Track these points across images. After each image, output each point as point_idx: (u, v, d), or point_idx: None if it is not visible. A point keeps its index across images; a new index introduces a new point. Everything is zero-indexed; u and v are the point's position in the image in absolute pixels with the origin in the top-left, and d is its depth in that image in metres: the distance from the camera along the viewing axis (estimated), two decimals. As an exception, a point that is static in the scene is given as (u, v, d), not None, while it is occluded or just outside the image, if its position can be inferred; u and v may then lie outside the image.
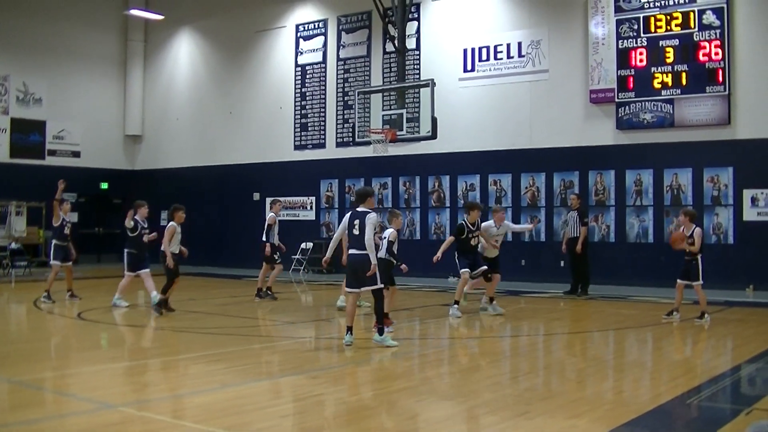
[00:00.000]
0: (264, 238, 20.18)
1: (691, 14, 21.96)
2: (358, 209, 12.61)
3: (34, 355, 11.87)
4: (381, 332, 12.42)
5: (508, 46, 25.34)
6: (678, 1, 22.21)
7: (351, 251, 12.54)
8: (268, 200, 30.72)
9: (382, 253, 14.08)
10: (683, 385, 9.82)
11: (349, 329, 12.47)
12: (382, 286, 12.62)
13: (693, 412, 8.81)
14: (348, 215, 12.75)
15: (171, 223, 17.01)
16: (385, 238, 14.53)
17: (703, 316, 15.67)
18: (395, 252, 14.64)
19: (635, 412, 8.26)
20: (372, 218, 12.40)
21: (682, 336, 14.50)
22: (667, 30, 22.32)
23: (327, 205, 29.35)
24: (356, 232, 12.40)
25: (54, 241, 19.63)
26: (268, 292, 19.90)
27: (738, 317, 17.00)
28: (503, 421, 7.98)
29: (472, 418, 8.15)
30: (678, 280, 16.02)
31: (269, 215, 20.59)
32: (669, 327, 15.29)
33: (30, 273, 27.59)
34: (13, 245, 28.61)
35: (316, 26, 30.10)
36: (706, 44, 21.75)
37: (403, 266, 15.26)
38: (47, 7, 32.89)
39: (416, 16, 27.06)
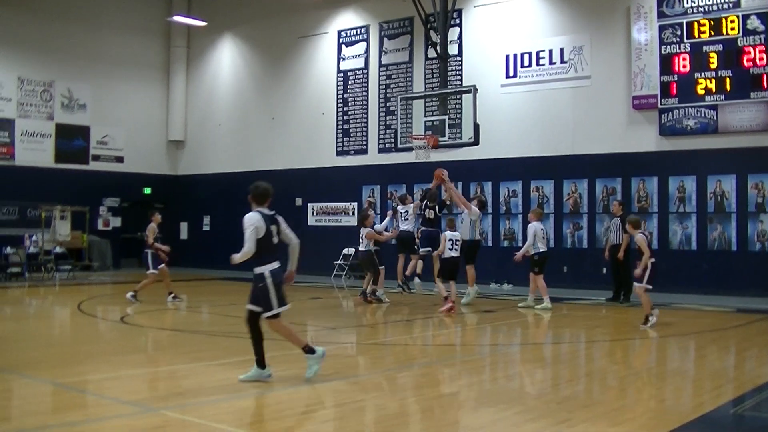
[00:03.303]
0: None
1: (735, 19, 21.76)
2: None
3: (77, 359, 11.97)
4: None
5: (551, 52, 25.26)
6: (722, 7, 22.03)
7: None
8: (310, 206, 30.85)
9: None
10: (726, 394, 9.72)
11: None
12: None
13: (737, 422, 8.72)
14: None
15: (368, 229, 19.82)
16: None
17: (647, 320, 15.75)
18: None
19: (677, 421, 8.19)
20: None
21: (724, 344, 14.37)
22: (710, 35, 22.13)
23: (369, 211, 29.37)
24: None
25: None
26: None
27: (782, 326, 16.80)
28: (545, 428, 7.94)
29: (514, 425, 8.10)
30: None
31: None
32: (711, 335, 15.14)
33: (74, 277, 27.88)
34: (58, 249, 28.92)
35: (358, 32, 30.15)
36: (751, 49, 21.54)
37: None
38: (91, 14, 33.21)
39: (458, 22, 27.04)
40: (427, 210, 19.34)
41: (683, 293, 21.71)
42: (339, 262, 28.36)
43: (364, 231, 19.83)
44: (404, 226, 19.64)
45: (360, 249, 20.17)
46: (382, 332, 15.99)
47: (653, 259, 15.66)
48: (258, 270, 9.90)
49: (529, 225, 19.46)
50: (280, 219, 10.58)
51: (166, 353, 12.61)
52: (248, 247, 9.86)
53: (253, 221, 10.07)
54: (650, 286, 15.70)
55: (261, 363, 9.91)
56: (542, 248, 19.07)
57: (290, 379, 10.23)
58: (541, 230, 19.18)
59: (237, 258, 9.91)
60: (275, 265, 9.98)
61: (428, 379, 10.88)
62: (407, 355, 13.13)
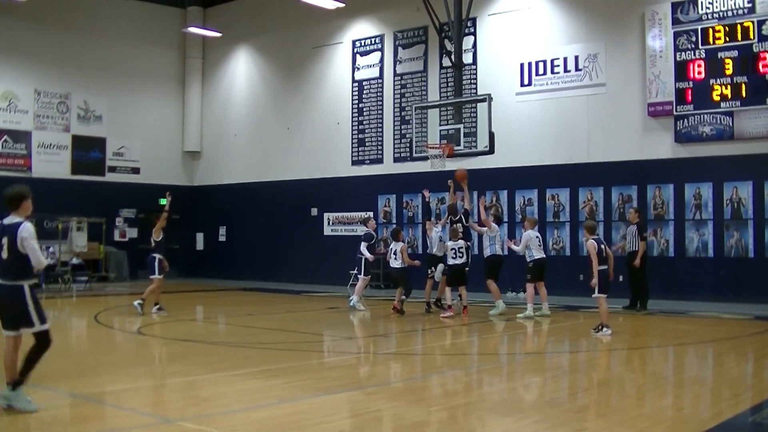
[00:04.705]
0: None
1: (750, 25, 21.70)
2: None
3: (94, 370, 12.00)
4: None
5: (565, 59, 25.24)
6: (737, 12, 21.98)
7: None
8: (326, 215, 30.90)
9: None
10: (745, 402, 9.69)
11: None
12: None
13: (756, 430, 8.69)
14: None
15: (401, 243, 20.19)
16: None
17: (601, 329, 15.53)
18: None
19: (696, 429, 8.17)
20: None
21: (743, 352, 14.31)
22: (725, 41, 22.06)
23: (385, 221, 29.35)
24: None
25: (159, 257, 19.78)
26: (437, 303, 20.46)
27: (800, 332, 16.72)
28: (562, 437, 7.95)
29: (531, 435, 8.11)
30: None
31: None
32: (729, 343, 15.09)
33: (90, 288, 27.95)
34: (74, 260, 29.01)
35: (373, 42, 30.20)
36: (767, 55, 21.48)
37: None
38: (107, 27, 33.38)
39: (472, 30, 27.05)
40: (455, 225, 19.53)
41: (700, 301, 21.67)
42: (355, 271, 28.34)
43: (397, 246, 20.00)
44: (455, 261, 19.08)
45: (394, 266, 20.10)
46: (399, 342, 15.98)
47: (604, 267, 15.56)
48: None
49: (524, 233, 19.56)
50: (21, 234, 9.34)
51: (183, 364, 12.63)
52: None
53: None
54: (603, 294, 15.57)
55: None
56: (537, 255, 19.09)
57: (307, 390, 10.25)
58: (536, 237, 19.29)
59: None
60: None
61: (446, 388, 10.88)
62: (425, 365, 13.14)
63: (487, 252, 19.85)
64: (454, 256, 18.96)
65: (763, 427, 8.83)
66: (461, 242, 19.07)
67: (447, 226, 20.37)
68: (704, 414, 9.22)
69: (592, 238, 15.65)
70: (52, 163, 31.62)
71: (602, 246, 15.65)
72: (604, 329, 15.42)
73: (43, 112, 31.55)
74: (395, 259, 19.92)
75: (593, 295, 15.59)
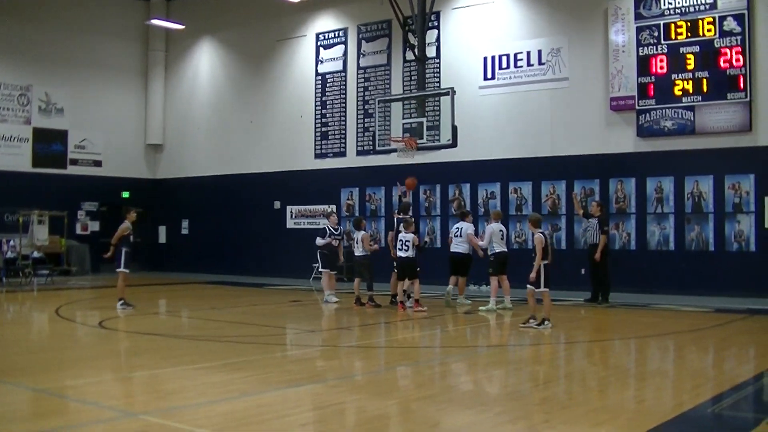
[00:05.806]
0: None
1: (712, 20, 21.86)
2: None
3: (56, 364, 11.92)
4: None
5: (528, 53, 25.32)
6: (698, 8, 22.12)
7: None
8: (289, 208, 30.83)
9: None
10: (705, 394, 9.77)
11: None
12: None
13: (715, 420, 8.77)
14: None
15: (363, 232, 20.37)
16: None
17: (543, 323, 15.52)
18: None
19: (657, 420, 8.22)
20: None
21: (703, 344, 14.43)
22: (687, 37, 22.22)
23: (348, 214, 29.31)
24: None
25: (126, 249, 19.63)
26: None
27: (760, 326, 16.89)
28: (524, 429, 7.97)
29: (493, 427, 8.12)
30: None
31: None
32: (690, 335, 15.21)
33: (52, 282, 27.73)
34: (36, 254, 28.76)
35: (336, 35, 30.16)
36: (727, 51, 21.64)
37: None
38: (69, 18, 33.12)
39: (436, 24, 27.08)
40: (408, 218, 19.49)
41: (662, 294, 21.81)
42: (318, 264, 28.32)
43: (359, 235, 20.09)
44: (403, 254, 18.92)
45: (357, 254, 20.16)
46: (362, 335, 15.99)
47: (546, 261, 15.53)
48: None
49: (487, 226, 19.65)
50: None
51: (146, 358, 12.56)
52: None
53: None
54: (543, 289, 15.54)
55: None
56: (498, 249, 19.10)
57: (270, 383, 10.23)
58: (499, 231, 19.25)
59: None
60: None
61: (408, 381, 10.89)
62: (387, 358, 13.16)
63: (458, 249, 19.84)
64: (401, 247, 18.95)
65: (723, 417, 8.91)
66: (410, 235, 18.96)
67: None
68: (665, 405, 9.27)
69: (539, 232, 15.66)
70: (12, 156, 31.36)
71: (547, 240, 15.66)
72: (546, 323, 15.44)
73: (3, 105, 31.28)
74: (358, 248, 19.97)
75: (538, 290, 15.54)
